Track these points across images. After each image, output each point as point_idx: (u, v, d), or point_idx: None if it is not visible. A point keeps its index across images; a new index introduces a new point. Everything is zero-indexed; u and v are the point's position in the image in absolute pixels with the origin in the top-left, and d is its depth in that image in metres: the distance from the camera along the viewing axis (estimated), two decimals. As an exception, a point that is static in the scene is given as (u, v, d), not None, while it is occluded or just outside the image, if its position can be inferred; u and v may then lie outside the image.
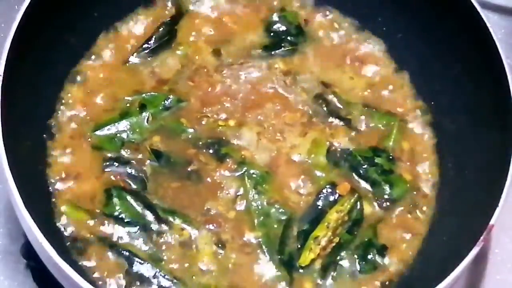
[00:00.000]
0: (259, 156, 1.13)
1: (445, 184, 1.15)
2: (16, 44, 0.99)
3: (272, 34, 1.25)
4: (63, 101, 1.15)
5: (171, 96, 1.16)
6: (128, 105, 1.15)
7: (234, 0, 1.28)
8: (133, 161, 1.10)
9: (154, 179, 1.10)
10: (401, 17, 1.24)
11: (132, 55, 1.20)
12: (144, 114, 1.14)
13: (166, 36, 1.22)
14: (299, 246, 1.07)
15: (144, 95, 1.16)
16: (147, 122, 1.14)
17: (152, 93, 1.16)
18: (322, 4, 1.29)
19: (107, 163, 1.10)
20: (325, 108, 1.19)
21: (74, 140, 1.12)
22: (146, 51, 1.20)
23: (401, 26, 1.24)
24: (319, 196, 1.10)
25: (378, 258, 1.08)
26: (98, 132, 1.13)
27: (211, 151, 1.12)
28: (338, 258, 1.06)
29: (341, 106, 1.19)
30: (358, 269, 1.07)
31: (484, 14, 1.09)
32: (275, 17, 1.26)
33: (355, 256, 1.07)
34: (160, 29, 1.22)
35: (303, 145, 1.15)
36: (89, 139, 1.12)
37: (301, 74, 1.22)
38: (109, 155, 1.11)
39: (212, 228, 1.07)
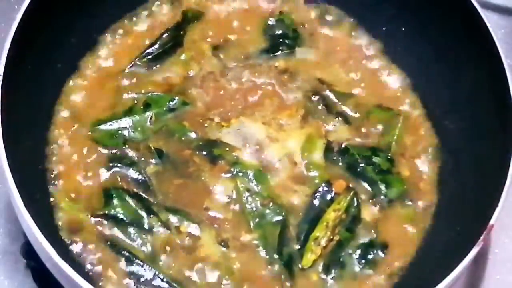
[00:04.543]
0: (252, 157, 1.13)
1: (445, 184, 1.15)
2: (16, 44, 0.99)
3: (270, 37, 1.25)
4: (63, 101, 1.15)
5: (176, 98, 1.16)
6: (135, 102, 1.15)
7: (234, 5, 1.28)
8: (135, 160, 1.10)
9: (155, 178, 1.10)
10: (401, 17, 1.24)
11: (136, 59, 1.19)
12: (147, 113, 1.14)
13: (170, 42, 1.21)
14: (299, 247, 1.07)
15: (149, 94, 1.16)
16: (149, 122, 1.14)
17: (158, 93, 1.16)
18: (321, 3, 1.29)
19: (110, 164, 1.10)
20: (322, 106, 1.18)
21: (75, 140, 1.12)
22: (149, 57, 1.20)
23: (401, 26, 1.24)
24: (315, 195, 1.10)
25: (377, 258, 1.08)
26: (99, 127, 1.13)
27: (204, 153, 1.12)
28: (339, 257, 1.07)
29: (339, 103, 1.19)
30: (358, 269, 1.07)
31: (484, 14, 1.09)
32: (272, 21, 1.27)
33: (355, 255, 1.07)
34: (164, 35, 1.21)
35: (299, 143, 1.15)
36: (90, 133, 1.12)
37: (299, 73, 1.22)
38: (110, 153, 1.11)
39: (214, 227, 1.07)
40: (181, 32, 1.23)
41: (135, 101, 1.16)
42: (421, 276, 1.04)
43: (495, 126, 1.07)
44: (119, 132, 1.13)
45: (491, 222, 0.96)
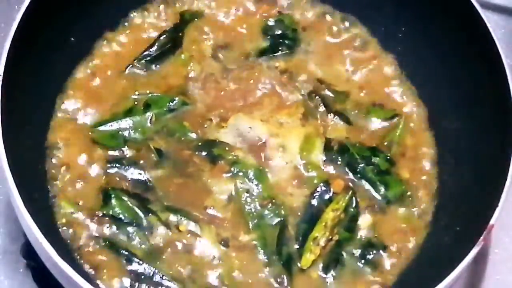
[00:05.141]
0: (251, 156, 1.12)
1: (445, 184, 1.14)
2: (16, 44, 0.99)
3: (270, 37, 1.25)
4: (63, 101, 1.15)
5: (176, 98, 1.16)
6: (136, 103, 1.15)
7: (233, 6, 1.28)
8: (135, 161, 1.10)
9: (156, 177, 1.10)
10: (401, 17, 1.24)
11: (134, 60, 1.19)
12: (148, 114, 1.14)
13: (168, 44, 1.21)
14: (298, 247, 1.07)
15: (150, 94, 1.16)
16: (150, 122, 1.14)
17: (158, 94, 1.16)
18: (321, 3, 1.29)
19: (109, 164, 1.10)
20: (322, 105, 1.18)
21: (75, 140, 1.12)
22: (148, 59, 1.20)
23: (400, 26, 1.24)
24: (314, 194, 1.10)
25: (377, 258, 1.08)
26: (100, 128, 1.13)
27: (204, 153, 1.12)
28: (338, 257, 1.06)
29: (338, 103, 1.19)
30: (358, 269, 1.07)
31: (484, 14, 1.09)
32: (272, 21, 1.27)
33: (355, 255, 1.07)
34: (162, 37, 1.21)
35: (298, 142, 1.15)
36: (90, 133, 1.12)
37: (298, 72, 1.22)
38: (110, 153, 1.11)
39: (213, 226, 1.07)
40: (180, 34, 1.23)
41: (135, 102, 1.16)
42: (421, 276, 1.04)
43: (495, 126, 1.07)
44: (119, 132, 1.13)
45: (491, 222, 0.96)
